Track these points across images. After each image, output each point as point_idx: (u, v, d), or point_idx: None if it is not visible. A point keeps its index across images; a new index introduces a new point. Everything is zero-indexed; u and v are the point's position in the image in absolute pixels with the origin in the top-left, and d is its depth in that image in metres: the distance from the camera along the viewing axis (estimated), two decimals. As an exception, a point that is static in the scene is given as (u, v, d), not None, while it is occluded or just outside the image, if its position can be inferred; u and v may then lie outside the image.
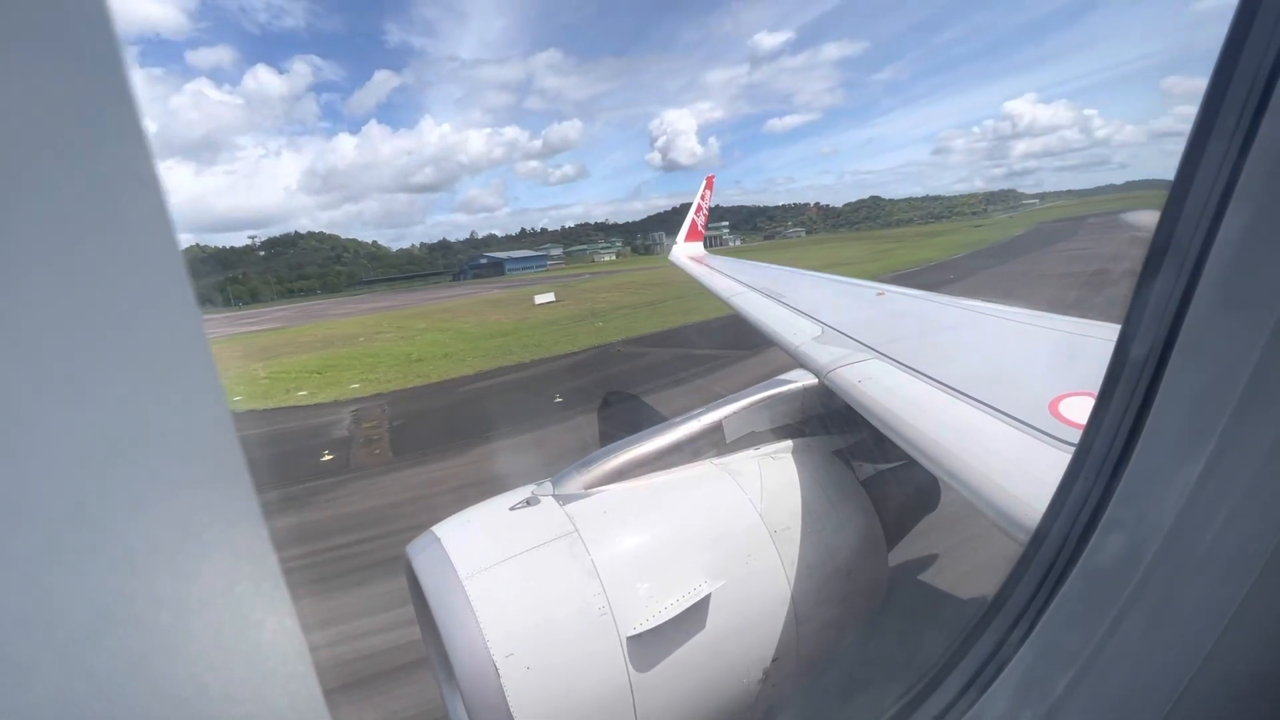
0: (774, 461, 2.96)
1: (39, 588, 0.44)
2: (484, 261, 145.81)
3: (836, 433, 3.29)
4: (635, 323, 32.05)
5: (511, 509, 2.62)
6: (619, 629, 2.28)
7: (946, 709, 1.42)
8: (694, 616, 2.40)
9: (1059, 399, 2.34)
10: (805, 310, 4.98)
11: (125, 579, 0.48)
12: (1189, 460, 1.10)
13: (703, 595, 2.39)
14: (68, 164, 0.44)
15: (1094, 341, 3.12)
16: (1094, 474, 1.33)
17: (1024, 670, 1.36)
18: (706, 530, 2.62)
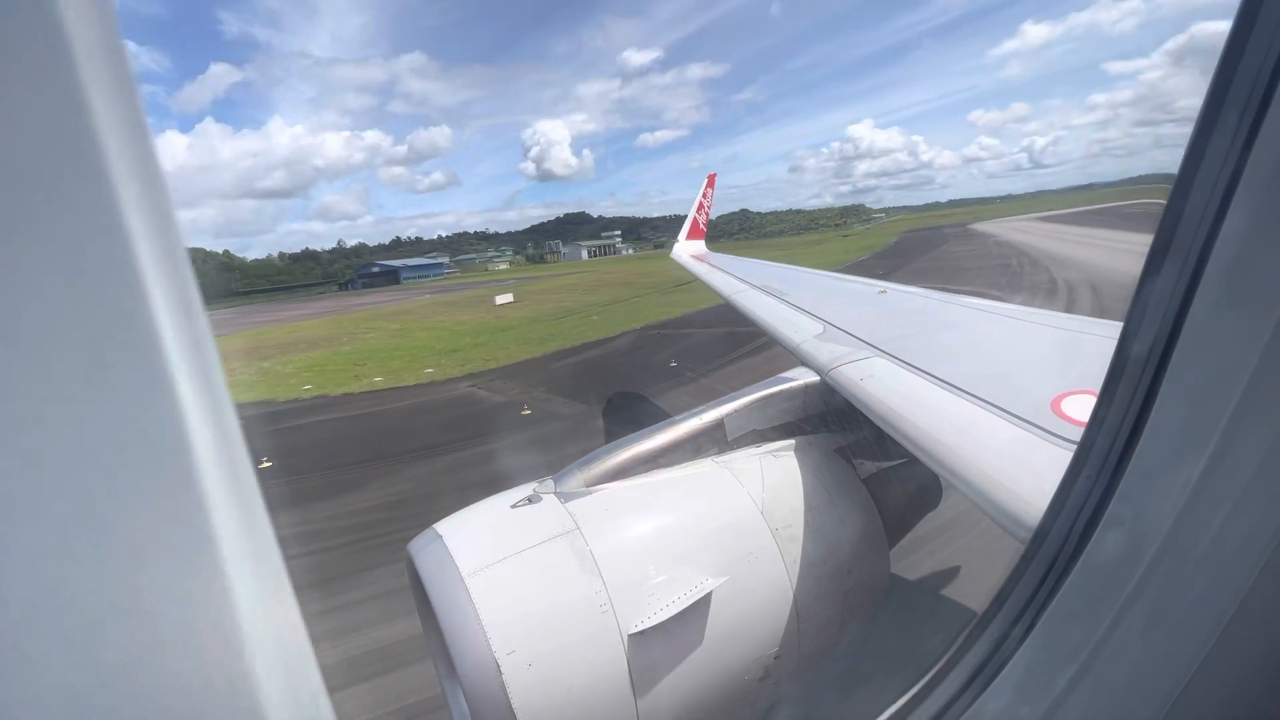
0: (775, 459, 2.97)
1: (45, 581, 0.44)
2: (376, 270, 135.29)
3: (838, 430, 3.29)
4: (633, 314, 33.39)
5: (513, 506, 2.62)
6: (620, 626, 2.28)
7: (948, 705, 1.42)
8: (696, 614, 2.40)
9: (1061, 397, 2.34)
10: (807, 308, 4.98)
11: (131, 572, 0.48)
12: (1190, 458, 1.10)
13: (704, 592, 2.40)
14: (68, 163, 0.44)
15: (1096, 340, 3.11)
16: (1095, 472, 1.33)
17: (1025, 667, 1.36)
18: (708, 528, 2.62)
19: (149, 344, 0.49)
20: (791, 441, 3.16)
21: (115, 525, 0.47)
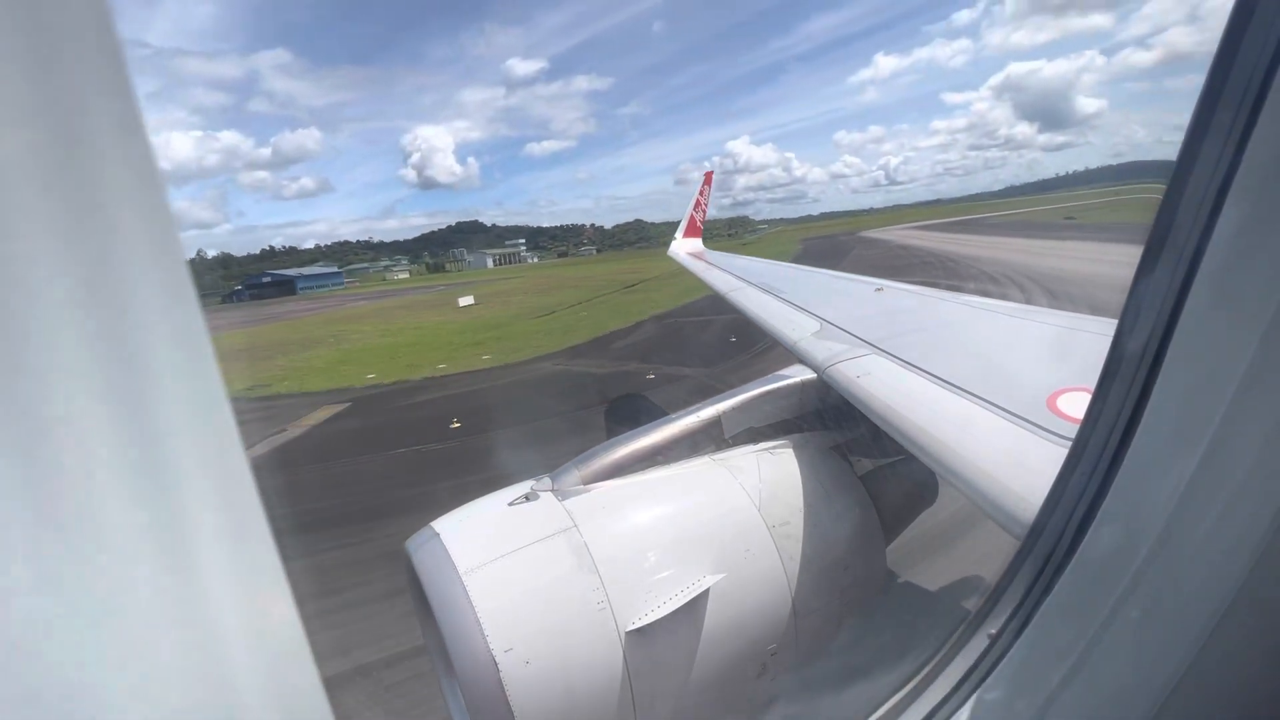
0: (772, 456, 2.97)
1: (41, 578, 0.44)
2: (267, 280, 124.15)
3: (835, 428, 3.30)
4: (622, 309, 35.81)
5: (510, 504, 2.62)
6: (618, 623, 2.29)
7: (944, 701, 1.43)
8: (693, 610, 2.41)
9: (1057, 394, 2.34)
10: (804, 306, 4.98)
11: (126, 569, 0.48)
12: (1184, 455, 1.10)
13: (702, 589, 2.40)
14: (68, 163, 0.44)
15: (1093, 337, 3.12)
16: (1090, 469, 1.34)
17: (1020, 662, 1.37)
18: (705, 525, 2.63)
19: (144, 340, 0.49)
20: (788, 439, 3.17)
21: (111, 521, 0.47)
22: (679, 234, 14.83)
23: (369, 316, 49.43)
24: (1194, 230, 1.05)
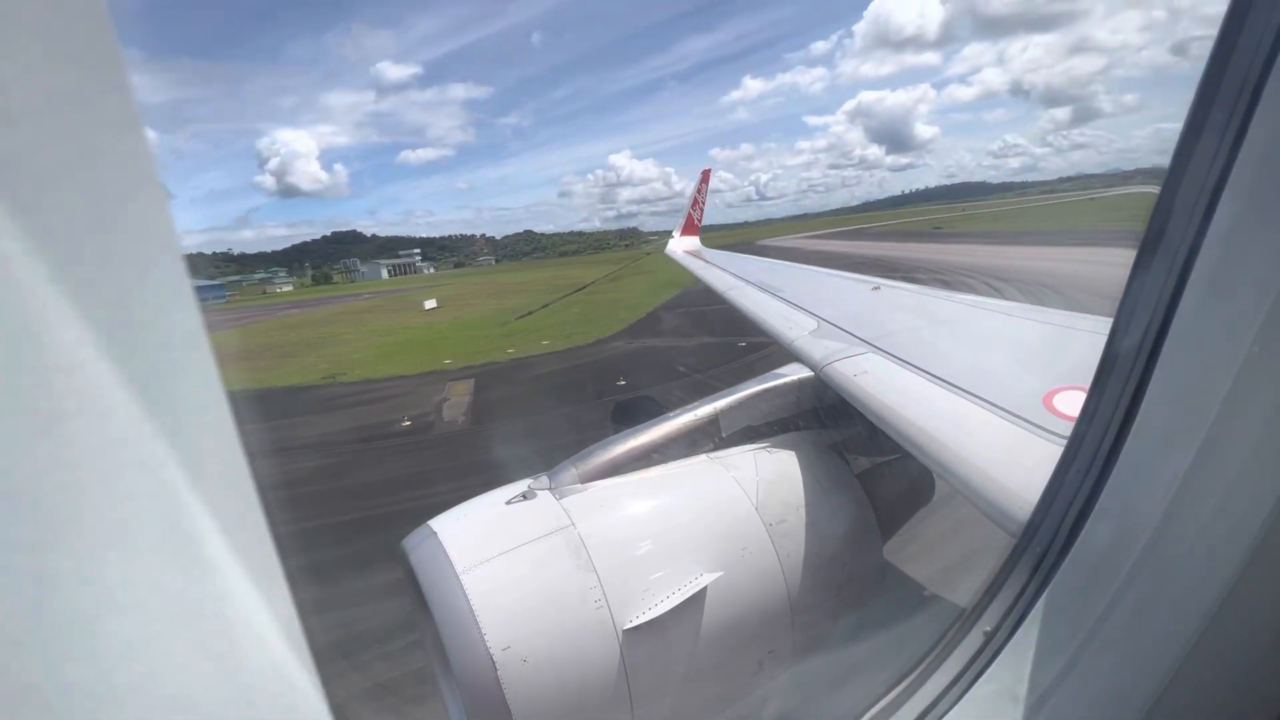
0: (769, 455, 2.98)
1: (38, 575, 0.44)
2: None
3: (832, 426, 3.31)
4: (616, 304, 39.52)
5: (508, 503, 2.62)
6: (615, 621, 2.29)
7: (939, 697, 1.44)
8: (690, 608, 2.41)
9: (1053, 393, 2.35)
10: (802, 305, 4.99)
11: (124, 566, 0.48)
12: (1179, 453, 1.11)
13: (699, 587, 2.41)
14: (67, 162, 0.44)
15: (1090, 336, 3.13)
16: (1085, 466, 1.34)
17: (1015, 659, 1.38)
18: (702, 523, 2.63)
19: (142, 339, 0.49)
20: (785, 437, 3.18)
21: (109, 519, 0.47)
22: (676, 232, 14.83)
23: (327, 322, 50.65)
24: (1188, 229, 1.06)
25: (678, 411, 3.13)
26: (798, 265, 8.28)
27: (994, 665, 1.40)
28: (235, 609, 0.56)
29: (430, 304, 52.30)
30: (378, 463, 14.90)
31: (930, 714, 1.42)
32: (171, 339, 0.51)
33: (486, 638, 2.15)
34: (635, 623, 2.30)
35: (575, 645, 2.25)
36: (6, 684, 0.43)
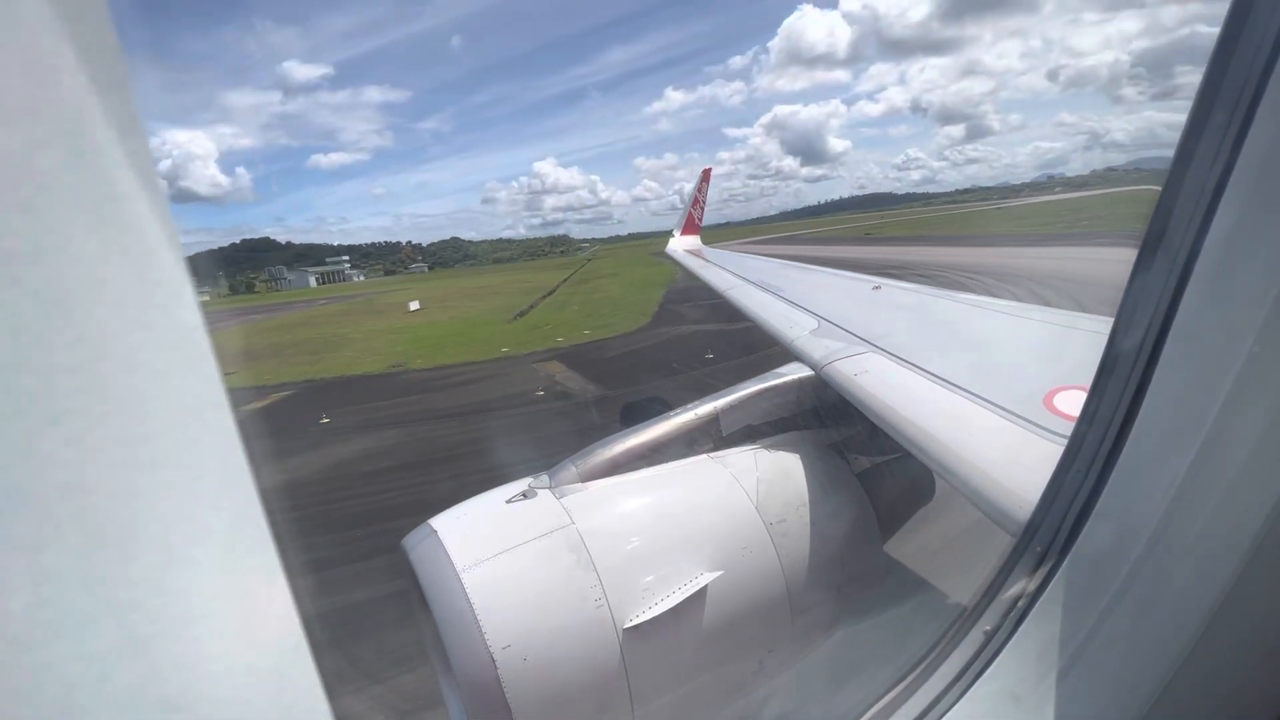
0: (770, 454, 2.98)
1: (38, 573, 0.44)
2: None
3: (832, 426, 3.30)
4: (602, 301, 41.50)
5: (508, 502, 2.62)
6: (615, 620, 2.29)
7: (939, 696, 1.44)
8: (690, 608, 2.41)
9: (1054, 392, 2.35)
10: (802, 304, 4.98)
11: (123, 565, 0.48)
12: (1179, 452, 1.11)
13: (699, 586, 2.41)
14: (67, 162, 0.44)
15: (1092, 335, 3.13)
16: (1086, 466, 1.34)
17: (1015, 659, 1.38)
18: (702, 522, 2.63)
19: (142, 336, 0.49)
20: (786, 436, 3.17)
21: (109, 518, 0.47)
22: (676, 231, 14.81)
23: (304, 325, 52.11)
24: (1189, 228, 1.06)
25: (678, 411, 3.13)
26: (798, 265, 8.27)
27: (994, 665, 1.40)
28: (236, 609, 0.56)
29: (414, 305, 54.46)
30: (561, 419, 16.81)
31: (930, 713, 1.42)
32: (172, 338, 0.51)
33: (486, 636, 2.15)
34: (635, 621, 2.30)
35: (575, 644, 2.25)
36: (6, 684, 0.43)
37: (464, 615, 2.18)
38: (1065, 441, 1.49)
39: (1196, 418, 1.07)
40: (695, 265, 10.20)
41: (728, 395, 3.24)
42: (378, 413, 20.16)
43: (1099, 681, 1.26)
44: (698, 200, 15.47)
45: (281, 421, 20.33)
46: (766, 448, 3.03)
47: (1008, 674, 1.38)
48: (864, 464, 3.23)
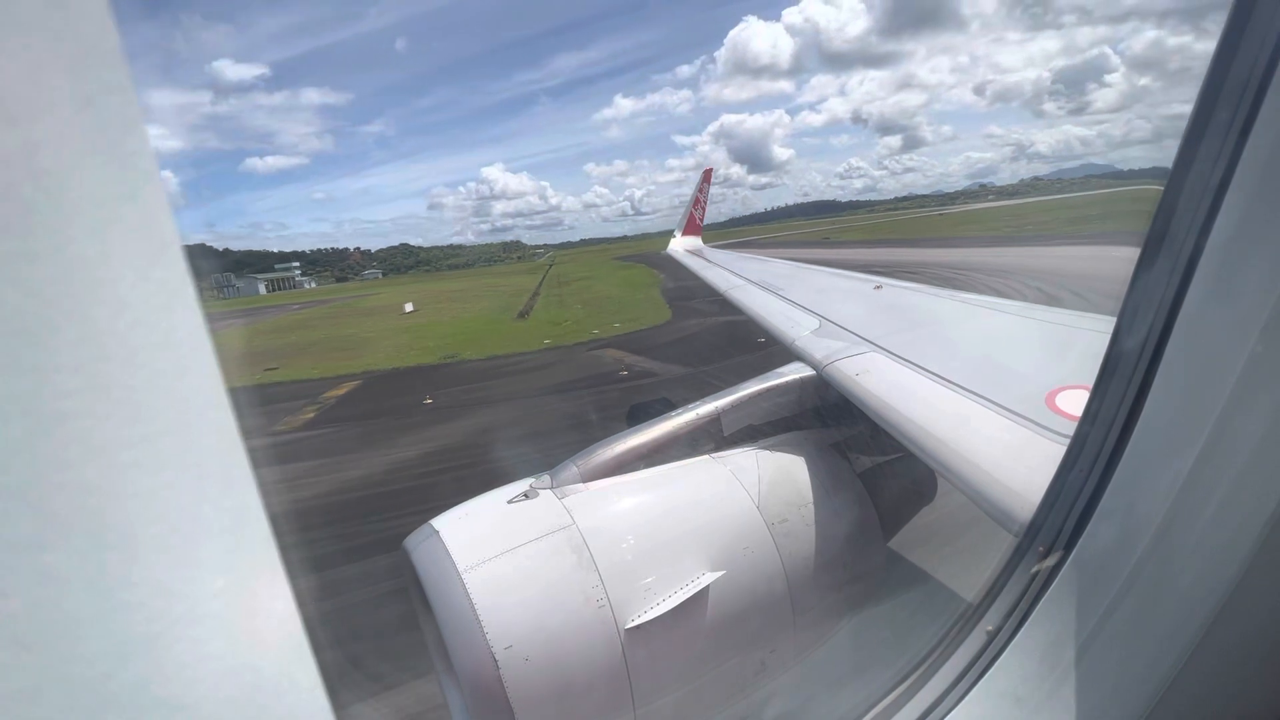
0: (771, 454, 2.97)
1: (40, 573, 0.44)
2: None
3: (834, 425, 3.30)
4: (617, 301, 42.81)
5: (510, 502, 2.63)
6: (617, 620, 2.29)
7: (941, 696, 1.44)
8: (692, 608, 2.41)
9: (1056, 392, 2.35)
10: (803, 304, 4.98)
11: (125, 564, 0.48)
12: (1182, 452, 1.11)
13: (701, 587, 2.41)
14: (69, 161, 0.44)
15: (1093, 335, 3.13)
16: (1088, 466, 1.34)
17: (1017, 658, 1.37)
18: (704, 522, 2.63)
19: (144, 337, 0.49)
20: (787, 436, 3.17)
21: (111, 518, 0.47)
22: (678, 232, 14.81)
23: (302, 327, 53.15)
24: (1192, 228, 1.05)
25: (679, 410, 3.13)
26: (800, 265, 8.27)
27: (996, 665, 1.39)
28: (237, 609, 0.56)
29: (409, 307, 56.95)
30: (663, 388, 17.98)
31: (932, 714, 1.42)
32: (173, 338, 0.51)
33: (489, 636, 2.15)
34: (637, 621, 2.30)
35: (577, 644, 2.25)
36: (9, 684, 0.43)
37: (466, 615, 2.18)
38: (1067, 441, 1.49)
39: (1199, 417, 1.07)
40: (697, 265, 10.20)
41: (729, 395, 3.24)
42: (471, 394, 21.19)
43: (1102, 682, 1.25)
44: (699, 200, 15.47)
45: (380, 404, 21.32)
46: (768, 448, 3.03)
47: (1010, 674, 1.37)
48: (866, 464, 3.23)
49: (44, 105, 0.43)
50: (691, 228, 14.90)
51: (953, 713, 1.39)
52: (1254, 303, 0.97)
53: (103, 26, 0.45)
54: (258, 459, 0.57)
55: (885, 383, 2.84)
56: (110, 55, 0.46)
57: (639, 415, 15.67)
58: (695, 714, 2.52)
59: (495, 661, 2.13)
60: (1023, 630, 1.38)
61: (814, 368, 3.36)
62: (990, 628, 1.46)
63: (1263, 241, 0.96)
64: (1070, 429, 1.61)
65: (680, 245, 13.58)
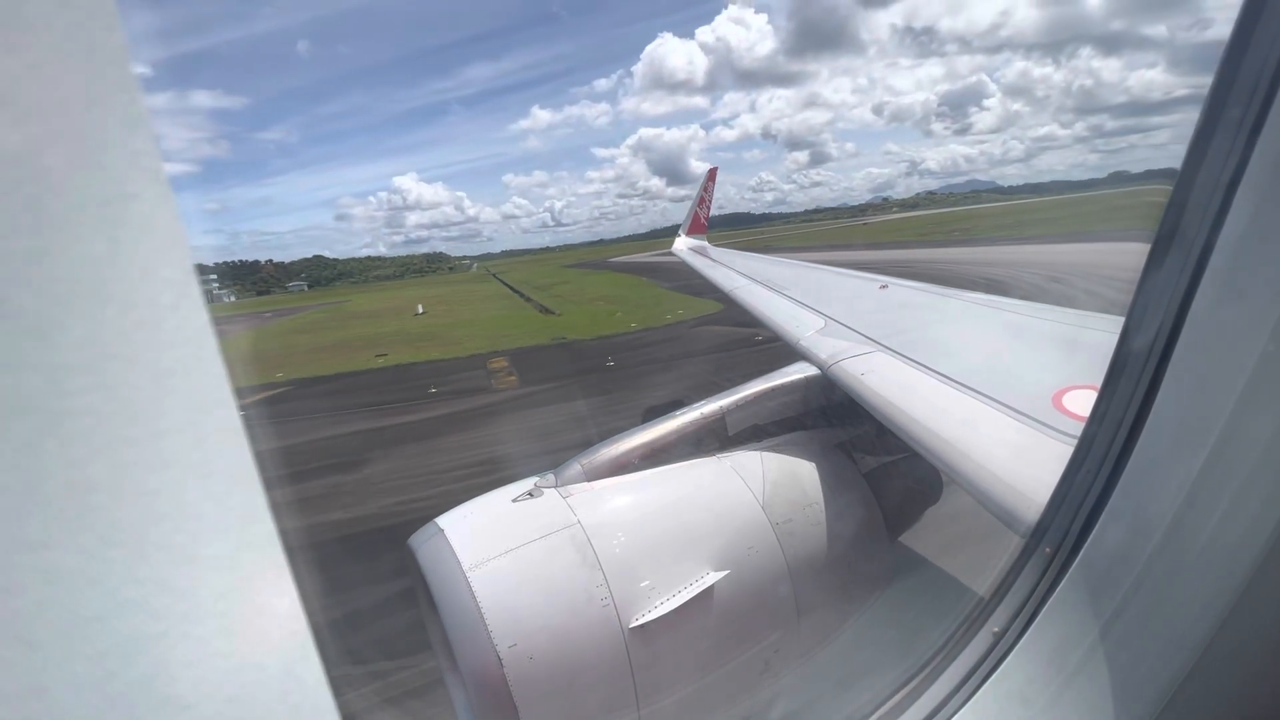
0: (776, 454, 2.97)
1: (45, 572, 0.44)
2: None
3: (839, 425, 3.29)
4: (615, 300, 45.76)
5: (514, 501, 2.63)
6: (622, 619, 2.29)
7: (947, 698, 1.43)
8: (696, 607, 2.41)
9: (1062, 392, 2.33)
10: (808, 303, 4.97)
11: (130, 563, 0.48)
12: (1190, 453, 1.10)
13: (705, 586, 2.40)
14: (74, 161, 0.44)
15: (1099, 334, 3.11)
16: (1096, 467, 1.33)
17: (1024, 660, 1.37)
18: (708, 522, 2.63)
19: (149, 336, 0.49)
20: (792, 436, 3.16)
21: (116, 517, 0.48)
22: (682, 231, 14.79)
23: (321, 325, 56.79)
24: (1202, 226, 1.04)
25: (684, 410, 3.12)
26: (804, 264, 8.25)
27: (1003, 666, 1.39)
28: (242, 608, 0.56)
29: (420, 309, 62.24)
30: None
31: (938, 715, 1.41)
32: (179, 338, 0.52)
33: (493, 635, 2.15)
34: (641, 620, 2.30)
35: (582, 643, 2.25)
36: (14, 682, 0.43)
37: (470, 614, 2.19)
38: (1075, 441, 1.48)
39: (1209, 417, 1.06)
40: (701, 265, 10.19)
41: (734, 395, 3.23)
42: (640, 357, 24.32)
43: (1109, 684, 1.25)
44: (703, 200, 15.44)
45: (565, 368, 24.05)
46: (773, 448, 3.02)
47: (1017, 675, 1.37)
48: (871, 464, 3.22)
49: (50, 105, 0.43)
50: (696, 227, 14.87)
51: (959, 714, 1.38)
52: (1265, 301, 0.96)
53: (109, 26, 0.46)
54: (263, 457, 0.57)
55: (890, 383, 2.83)
56: (117, 55, 0.46)
57: (653, 416, 15.74)
58: (699, 713, 2.52)
59: (499, 660, 2.13)
60: (1030, 631, 1.38)
61: (819, 367, 3.35)
62: (997, 629, 1.45)
63: (1273, 240, 0.95)
64: (1077, 429, 1.60)
65: (684, 244, 13.56)
